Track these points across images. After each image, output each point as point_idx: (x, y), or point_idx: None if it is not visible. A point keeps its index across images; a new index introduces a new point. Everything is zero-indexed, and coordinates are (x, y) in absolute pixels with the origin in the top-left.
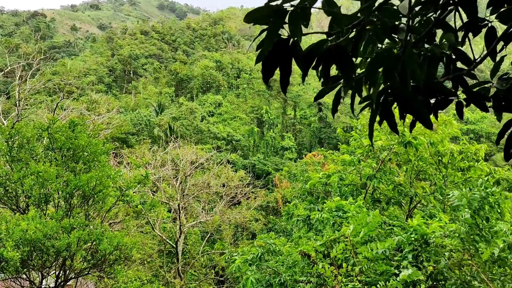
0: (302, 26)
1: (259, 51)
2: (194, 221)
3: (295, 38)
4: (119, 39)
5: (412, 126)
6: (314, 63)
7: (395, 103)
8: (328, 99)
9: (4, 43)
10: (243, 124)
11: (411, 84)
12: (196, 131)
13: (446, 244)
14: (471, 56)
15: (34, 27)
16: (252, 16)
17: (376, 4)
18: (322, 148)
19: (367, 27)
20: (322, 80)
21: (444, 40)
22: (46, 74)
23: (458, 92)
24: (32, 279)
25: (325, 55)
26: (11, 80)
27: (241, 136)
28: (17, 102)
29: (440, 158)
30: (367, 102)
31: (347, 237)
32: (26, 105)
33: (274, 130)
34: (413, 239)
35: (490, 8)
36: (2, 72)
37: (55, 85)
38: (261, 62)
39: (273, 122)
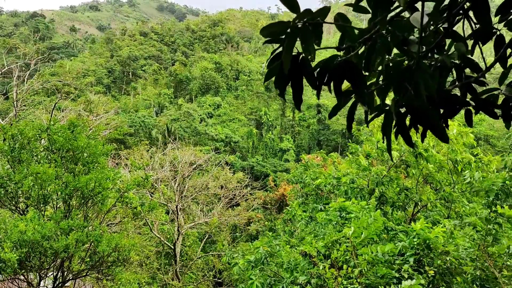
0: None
1: (266, 62)
2: (192, 222)
3: (308, 56)
4: (118, 40)
5: (423, 136)
6: (325, 79)
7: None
8: (327, 101)
9: (2, 44)
10: (242, 126)
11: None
12: (195, 133)
13: (449, 249)
14: (481, 63)
15: (33, 27)
16: (268, 31)
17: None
18: (322, 150)
19: (378, 41)
20: (334, 96)
21: (453, 49)
22: (44, 75)
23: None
24: (30, 281)
25: (336, 71)
26: (9, 81)
27: (240, 138)
28: (14, 103)
29: (456, 164)
30: (375, 113)
31: (348, 239)
32: (24, 105)
33: (273, 131)
34: (415, 243)
35: (499, 16)
36: (0, 72)
37: (53, 86)
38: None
39: (272, 124)
